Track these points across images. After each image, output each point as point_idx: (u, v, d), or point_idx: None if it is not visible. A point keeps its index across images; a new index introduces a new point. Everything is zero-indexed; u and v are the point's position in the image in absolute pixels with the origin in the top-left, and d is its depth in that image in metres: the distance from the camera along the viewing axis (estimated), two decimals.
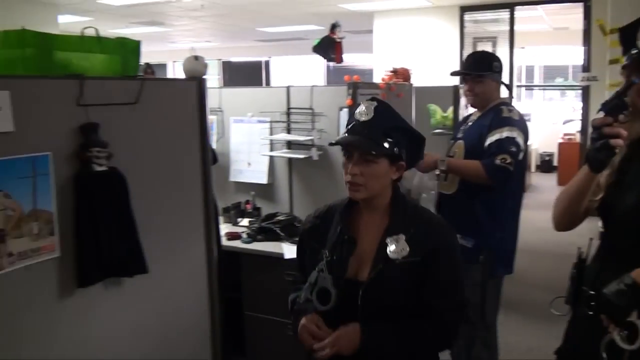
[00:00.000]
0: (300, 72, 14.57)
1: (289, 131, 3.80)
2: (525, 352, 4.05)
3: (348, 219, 1.82)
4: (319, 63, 12.10)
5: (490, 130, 2.94)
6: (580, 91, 9.50)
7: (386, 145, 1.71)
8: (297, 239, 3.31)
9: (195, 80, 2.36)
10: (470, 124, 3.17)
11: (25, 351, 1.73)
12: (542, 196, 9.52)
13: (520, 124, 2.97)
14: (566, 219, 1.81)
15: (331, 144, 1.78)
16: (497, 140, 2.88)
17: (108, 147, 1.87)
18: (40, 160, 1.72)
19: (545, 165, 11.83)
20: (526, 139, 2.98)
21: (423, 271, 1.73)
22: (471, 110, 3.42)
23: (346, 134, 1.74)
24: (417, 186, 3.17)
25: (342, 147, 1.75)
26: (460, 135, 3.17)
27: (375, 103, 1.75)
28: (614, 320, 1.49)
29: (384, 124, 1.71)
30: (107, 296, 1.98)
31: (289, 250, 3.25)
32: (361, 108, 1.76)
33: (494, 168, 2.84)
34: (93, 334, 1.95)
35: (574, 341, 1.84)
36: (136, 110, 2.04)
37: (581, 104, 8.68)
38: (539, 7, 8.80)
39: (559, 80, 14.48)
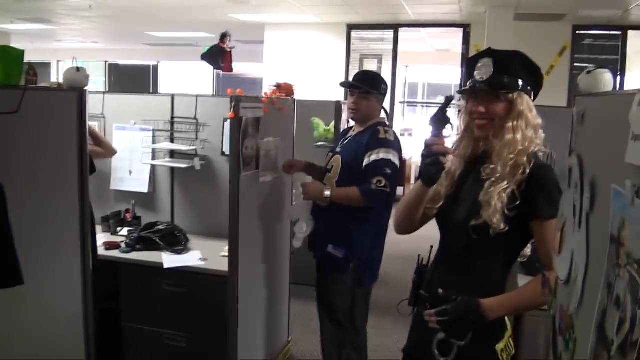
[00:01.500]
0: (189, 78, 14.38)
1: (172, 140, 3.81)
2: (398, 352, 4.26)
3: None
4: (209, 70, 12.04)
5: (367, 149, 3.11)
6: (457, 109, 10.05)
7: None
8: (177, 248, 3.35)
9: (76, 91, 2.34)
10: (348, 139, 3.34)
11: None
12: None
13: (395, 144, 3.17)
14: (404, 225, 2.05)
15: None
16: (373, 162, 3.05)
17: None
18: None
19: None
20: (400, 158, 3.19)
21: None
22: (351, 123, 3.60)
23: None
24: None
25: None
26: (338, 149, 3.33)
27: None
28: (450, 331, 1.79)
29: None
30: None
31: (169, 260, 3.26)
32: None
33: (371, 193, 3.02)
34: None
35: (414, 339, 2.12)
36: (16, 120, 2.01)
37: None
38: (422, 29, 9.28)
39: (441, 98, 15.28)
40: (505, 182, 1.77)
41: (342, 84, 3.55)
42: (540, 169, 1.79)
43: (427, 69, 14.35)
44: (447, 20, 8.36)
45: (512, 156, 1.78)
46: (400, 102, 12.40)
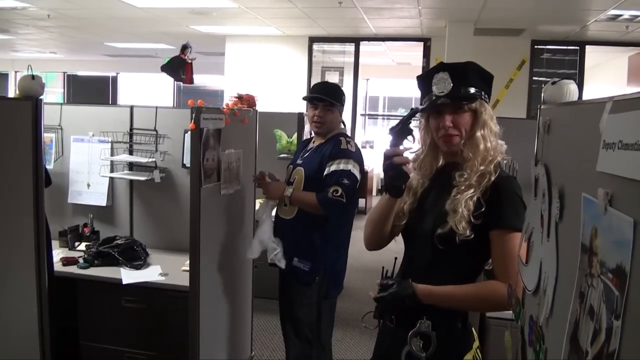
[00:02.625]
0: (149, 90, 14.19)
1: (131, 152, 3.73)
2: None
3: None
4: (169, 82, 11.91)
5: (329, 160, 3.11)
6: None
7: None
8: (137, 263, 3.27)
9: (30, 100, 2.26)
10: (309, 151, 3.31)
11: None
12: None
13: (356, 155, 3.16)
14: (374, 240, 2.03)
15: None
16: (333, 172, 3.06)
17: None
18: None
19: None
20: (362, 169, 3.18)
21: None
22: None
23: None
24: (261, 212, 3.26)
25: None
26: (299, 162, 3.30)
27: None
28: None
29: None
30: None
31: (128, 276, 3.17)
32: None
33: (327, 201, 3.01)
34: None
35: (381, 353, 2.07)
36: None
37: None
38: (382, 43, 9.36)
39: (402, 111, 15.44)
40: (472, 190, 1.77)
41: (305, 98, 3.53)
42: (505, 180, 1.80)
43: (388, 82, 14.48)
44: (407, 34, 8.46)
45: (482, 167, 1.79)
46: (362, 115, 12.47)
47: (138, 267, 3.29)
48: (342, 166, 3.07)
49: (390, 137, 1.82)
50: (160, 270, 3.28)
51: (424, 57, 8.69)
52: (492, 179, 1.78)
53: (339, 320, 3.47)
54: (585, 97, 8.54)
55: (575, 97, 1.45)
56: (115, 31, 9.03)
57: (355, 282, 5.98)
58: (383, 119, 15.48)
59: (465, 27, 7.17)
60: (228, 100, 3.49)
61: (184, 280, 2.96)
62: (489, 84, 1.90)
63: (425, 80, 1.91)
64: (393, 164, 1.78)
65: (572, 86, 1.44)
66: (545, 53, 8.45)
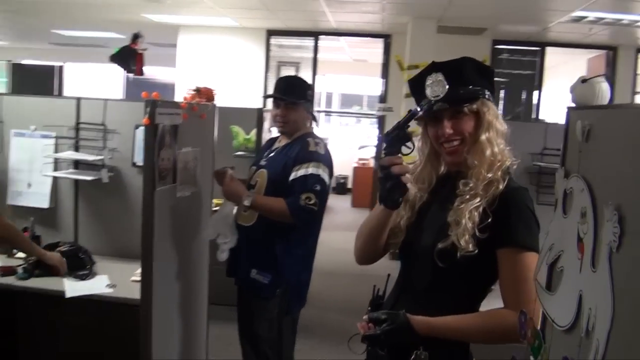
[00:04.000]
0: (97, 81, 13.59)
1: (77, 149, 3.41)
2: None
3: None
4: (118, 73, 11.41)
5: (295, 163, 2.85)
6: (374, 119, 10.08)
7: None
8: (82, 273, 2.94)
9: None
10: (275, 151, 3.06)
11: None
12: (337, 217, 9.88)
13: (326, 158, 2.92)
14: (366, 254, 1.84)
15: None
16: (302, 177, 2.80)
17: None
18: None
19: (340, 188, 12.33)
20: (331, 173, 2.94)
21: None
22: (275, 134, 3.34)
23: None
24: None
25: None
26: (263, 163, 3.05)
27: None
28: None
29: None
30: None
31: (72, 288, 2.83)
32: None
33: (298, 208, 2.76)
34: None
35: None
36: None
37: (376, 132, 9.16)
38: (341, 38, 9.16)
39: (356, 108, 15.31)
40: (478, 200, 1.56)
41: (266, 96, 3.30)
42: (515, 191, 1.60)
43: (343, 79, 14.32)
44: (368, 29, 8.29)
45: (490, 174, 1.58)
46: (317, 111, 12.27)
47: (83, 278, 2.96)
48: (311, 170, 2.81)
49: (385, 144, 1.61)
50: (108, 280, 2.96)
51: (384, 53, 8.54)
52: (501, 187, 1.58)
53: (299, 326, 3.23)
54: (543, 98, 8.57)
55: (607, 98, 1.24)
56: (63, 17, 8.57)
57: (316, 285, 5.73)
58: (338, 115, 15.32)
59: (428, 24, 7.03)
60: (185, 93, 3.22)
61: (134, 292, 2.66)
62: (489, 78, 1.69)
63: (417, 83, 1.72)
64: (390, 174, 1.56)
65: (604, 85, 1.23)
66: (504, 53, 8.43)
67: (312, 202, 2.75)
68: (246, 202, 2.80)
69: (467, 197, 1.57)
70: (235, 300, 3.09)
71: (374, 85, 11.21)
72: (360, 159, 11.86)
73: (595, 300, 0.98)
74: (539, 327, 1.30)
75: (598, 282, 0.97)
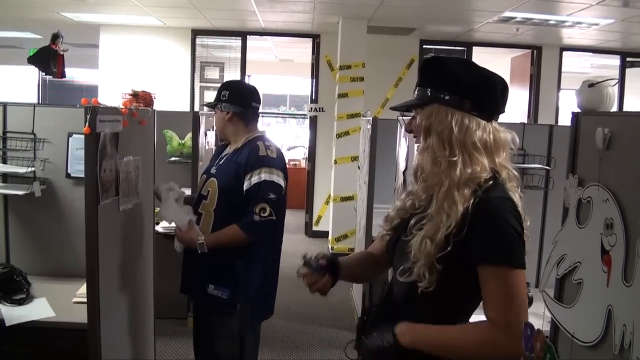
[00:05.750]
0: (9, 85, 12.79)
1: (4, 160, 3.13)
2: None
3: None
4: (32, 76, 10.76)
5: (247, 171, 2.72)
6: (302, 119, 10.00)
7: None
8: (18, 297, 2.67)
9: None
10: (224, 158, 2.91)
11: None
12: None
13: (278, 161, 2.80)
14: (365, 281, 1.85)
15: None
16: (255, 185, 2.68)
17: None
18: None
19: None
20: (286, 176, 2.83)
21: None
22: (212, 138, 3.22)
23: None
24: None
25: None
26: (213, 171, 2.89)
27: None
28: None
29: None
30: None
31: (10, 316, 2.55)
32: None
33: (253, 227, 2.65)
34: None
35: None
36: None
37: (305, 130, 9.07)
38: (269, 38, 9.02)
39: (283, 109, 15.21)
40: (433, 229, 1.48)
41: (203, 105, 3.19)
42: (487, 204, 1.45)
43: (269, 79, 14.17)
44: (297, 29, 8.18)
45: (443, 188, 1.49)
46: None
47: (21, 302, 2.70)
48: (264, 176, 2.69)
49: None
50: (48, 304, 2.72)
51: (313, 53, 8.46)
52: (469, 205, 1.45)
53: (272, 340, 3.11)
54: None
55: (614, 103, 1.20)
56: None
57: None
58: (262, 116, 15.10)
59: (358, 24, 7.01)
60: (121, 97, 3.02)
61: (77, 315, 2.45)
62: (458, 83, 1.53)
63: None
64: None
65: (611, 90, 1.19)
66: (431, 53, 8.54)
67: (266, 213, 2.64)
68: (200, 250, 2.69)
69: (425, 223, 1.51)
70: (180, 314, 2.94)
71: (300, 85, 11.13)
72: (291, 160, 11.71)
73: (631, 316, 0.93)
74: (543, 343, 1.24)
75: (635, 297, 0.92)
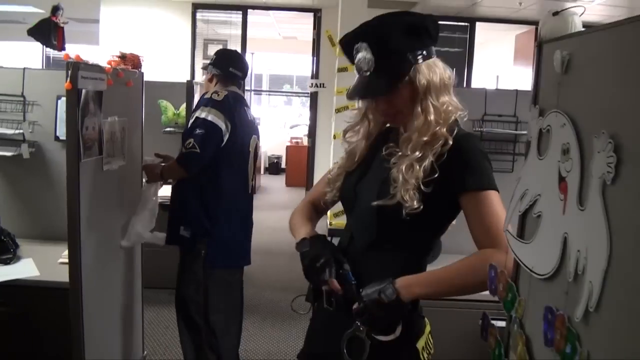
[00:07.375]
0: (14, 61, 12.78)
1: None
2: (264, 355, 3.92)
3: None
4: (35, 53, 10.73)
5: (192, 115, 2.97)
6: (305, 99, 9.95)
7: None
8: (5, 257, 2.68)
9: None
10: None
11: None
12: (271, 197, 9.77)
13: (221, 105, 2.89)
14: None
15: None
16: (192, 123, 2.89)
17: None
18: None
19: (274, 168, 12.15)
20: (230, 118, 2.90)
21: None
22: None
23: None
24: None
25: None
26: None
27: None
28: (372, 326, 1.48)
29: None
30: None
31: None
32: None
33: (181, 157, 2.87)
34: None
35: (315, 339, 1.78)
36: None
37: (308, 110, 9.03)
38: (270, 12, 8.93)
39: (287, 87, 15.14)
40: (417, 153, 1.48)
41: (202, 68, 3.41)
42: (463, 138, 1.54)
43: (273, 57, 14.08)
44: (298, 3, 8.10)
45: (425, 138, 1.50)
46: (247, 90, 12.03)
47: (7, 262, 2.70)
48: (196, 114, 2.88)
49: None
50: (34, 264, 2.72)
51: (314, 28, 8.37)
52: (450, 142, 1.50)
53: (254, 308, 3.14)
54: (474, 74, 8.63)
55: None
56: None
57: (253, 264, 5.64)
58: (267, 94, 15.07)
59: None
60: (108, 58, 3.02)
61: (62, 276, 2.44)
62: (418, 34, 1.54)
63: (347, 54, 1.62)
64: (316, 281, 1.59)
65: (577, 19, 1.15)
66: None
67: (190, 145, 2.80)
68: (158, 170, 2.96)
69: (408, 151, 1.50)
70: (170, 284, 3.12)
71: (304, 64, 11.06)
72: (292, 138, 11.72)
73: (585, 240, 0.90)
74: (510, 279, 1.22)
75: (588, 221, 0.89)
